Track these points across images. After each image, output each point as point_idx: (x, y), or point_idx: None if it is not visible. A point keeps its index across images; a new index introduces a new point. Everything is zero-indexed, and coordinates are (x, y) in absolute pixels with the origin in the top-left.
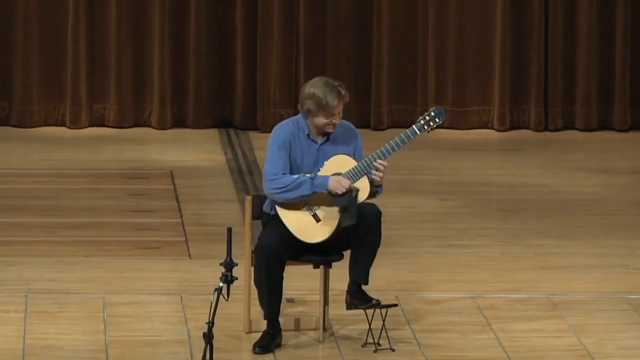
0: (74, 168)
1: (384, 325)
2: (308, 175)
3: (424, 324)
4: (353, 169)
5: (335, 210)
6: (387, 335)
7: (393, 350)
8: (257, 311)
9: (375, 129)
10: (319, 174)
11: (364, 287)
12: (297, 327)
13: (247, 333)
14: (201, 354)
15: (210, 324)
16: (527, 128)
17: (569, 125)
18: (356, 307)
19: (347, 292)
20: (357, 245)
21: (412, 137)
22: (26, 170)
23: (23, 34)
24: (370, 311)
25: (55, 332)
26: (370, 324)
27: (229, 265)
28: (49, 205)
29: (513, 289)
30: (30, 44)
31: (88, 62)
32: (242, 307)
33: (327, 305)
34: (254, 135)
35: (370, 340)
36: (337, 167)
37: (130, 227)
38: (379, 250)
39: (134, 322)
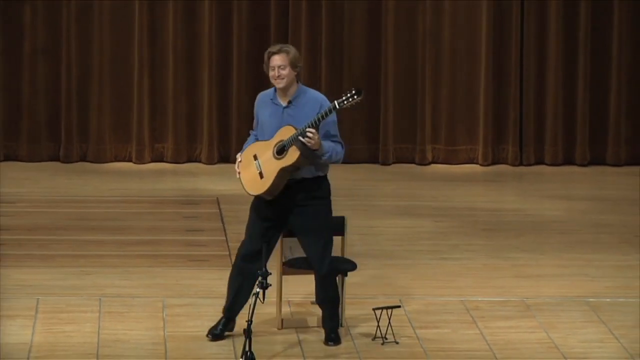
0: (139, 196)
1: (389, 323)
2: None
3: (422, 322)
4: (292, 136)
5: (271, 164)
6: (392, 331)
7: (397, 343)
8: (287, 311)
9: (383, 164)
10: (271, 140)
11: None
12: (319, 324)
13: (278, 329)
14: (242, 347)
15: (249, 322)
16: (506, 163)
17: (540, 161)
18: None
19: (326, 338)
20: (321, 303)
21: (333, 110)
22: (100, 197)
23: (98, 88)
24: (378, 312)
25: (123, 329)
26: (378, 322)
27: (264, 274)
28: (118, 225)
29: (494, 293)
30: (103, 95)
31: (150, 110)
32: (275, 308)
33: (344, 306)
34: None
35: (378, 335)
36: (283, 135)
37: (184, 243)
38: (340, 302)
39: (188, 321)
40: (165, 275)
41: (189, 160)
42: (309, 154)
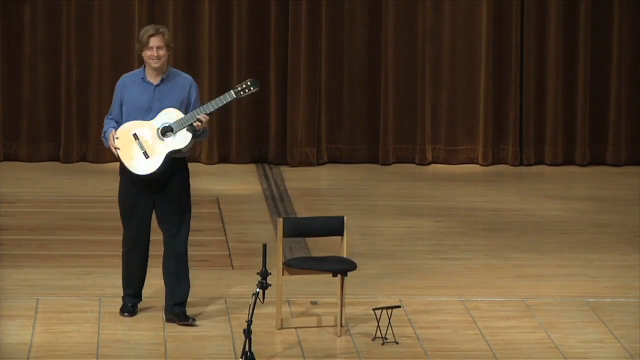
0: None
1: (389, 323)
2: (113, 123)
3: (422, 322)
4: (180, 119)
5: (160, 150)
6: (392, 331)
7: (397, 343)
8: (287, 311)
9: (383, 164)
10: (152, 121)
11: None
12: (320, 324)
13: (278, 329)
14: (241, 347)
15: (249, 322)
16: (506, 163)
17: (540, 161)
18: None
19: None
20: (177, 285)
21: (229, 99)
22: (100, 197)
23: (98, 88)
24: (378, 312)
25: (123, 329)
26: (378, 322)
27: (264, 274)
28: (118, 225)
29: (494, 294)
30: (103, 95)
31: None
32: (275, 308)
33: (344, 306)
34: (284, 169)
35: (378, 335)
36: (168, 118)
37: None
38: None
39: None
40: None
41: (189, 161)
42: (196, 137)
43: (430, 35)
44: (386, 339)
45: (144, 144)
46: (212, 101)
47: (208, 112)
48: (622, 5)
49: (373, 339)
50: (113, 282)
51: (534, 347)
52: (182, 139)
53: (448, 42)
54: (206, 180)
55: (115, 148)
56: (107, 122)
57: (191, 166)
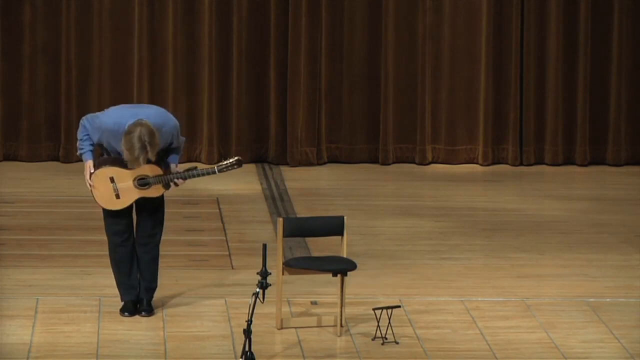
0: None
1: (389, 323)
2: (89, 147)
3: (422, 322)
4: (158, 176)
5: (131, 191)
6: (392, 331)
7: (397, 343)
8: (287, 311)
9: (383, 164)
10: (132, 170)
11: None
12: (319, 324)
13: (278, 329)
14: (241, 347)
15: (249, 322)
16: (506, 163)
17: (540, 161)
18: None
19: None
20: (151, 281)
21: (210, 173)
22: None
23: (98, 88)
24: (378, 312)
25: (123, 329)
26: (378, 322)
27: (264, 274)
28: None
29: (494, 294)
30: (103, 96)
31: None
32: (275, 308)
33: (344, 306)
34: (284, 169)
35: (378, 335)
36: (147, 171)
37: (184, 243)
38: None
39: (187, 321)
40: (165, 276)
41: (189, 160)
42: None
43: (430, 35)
44: (386, 339)
45: (119, 188)
46: (195, 170)
47: (186, 179)
48: (622, 5)
49: (373, 339)
50: (113, 282)
51: (534, 347)
52: (155, 191)
53: (448, 41)
54: (206, 180)
55: (90, 185)
56: (84, 140)
57: (190, 166)
